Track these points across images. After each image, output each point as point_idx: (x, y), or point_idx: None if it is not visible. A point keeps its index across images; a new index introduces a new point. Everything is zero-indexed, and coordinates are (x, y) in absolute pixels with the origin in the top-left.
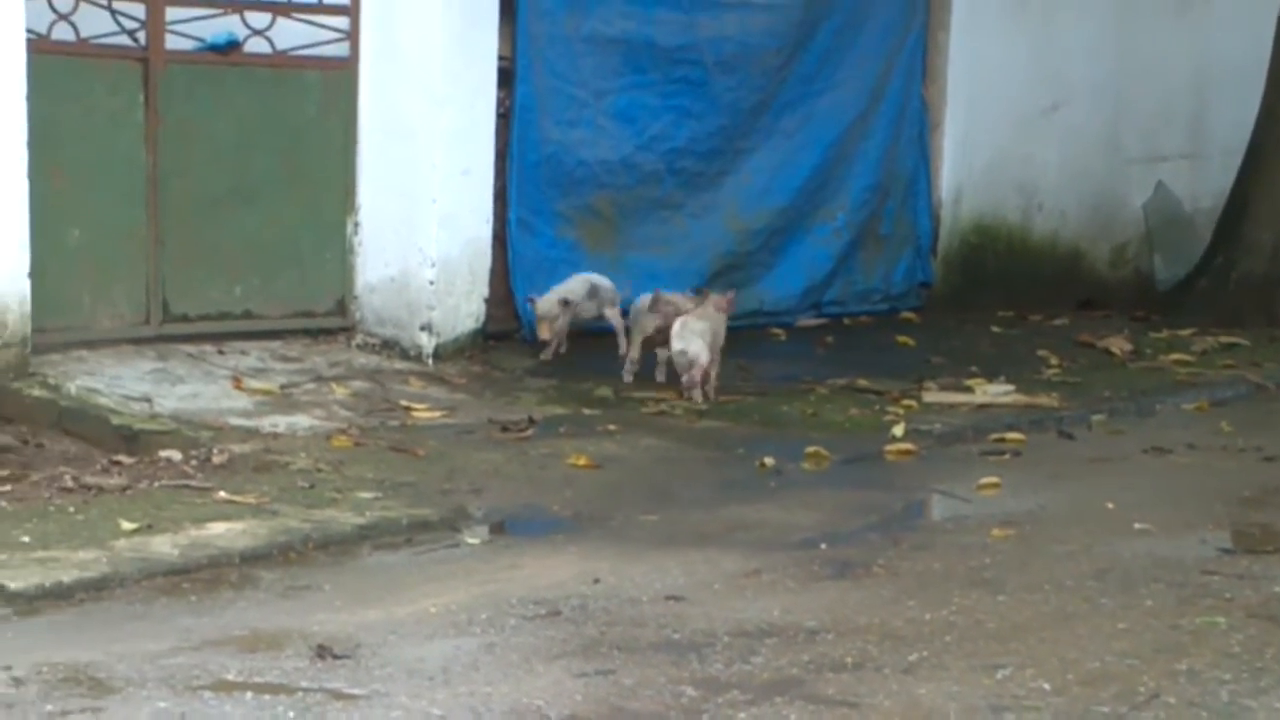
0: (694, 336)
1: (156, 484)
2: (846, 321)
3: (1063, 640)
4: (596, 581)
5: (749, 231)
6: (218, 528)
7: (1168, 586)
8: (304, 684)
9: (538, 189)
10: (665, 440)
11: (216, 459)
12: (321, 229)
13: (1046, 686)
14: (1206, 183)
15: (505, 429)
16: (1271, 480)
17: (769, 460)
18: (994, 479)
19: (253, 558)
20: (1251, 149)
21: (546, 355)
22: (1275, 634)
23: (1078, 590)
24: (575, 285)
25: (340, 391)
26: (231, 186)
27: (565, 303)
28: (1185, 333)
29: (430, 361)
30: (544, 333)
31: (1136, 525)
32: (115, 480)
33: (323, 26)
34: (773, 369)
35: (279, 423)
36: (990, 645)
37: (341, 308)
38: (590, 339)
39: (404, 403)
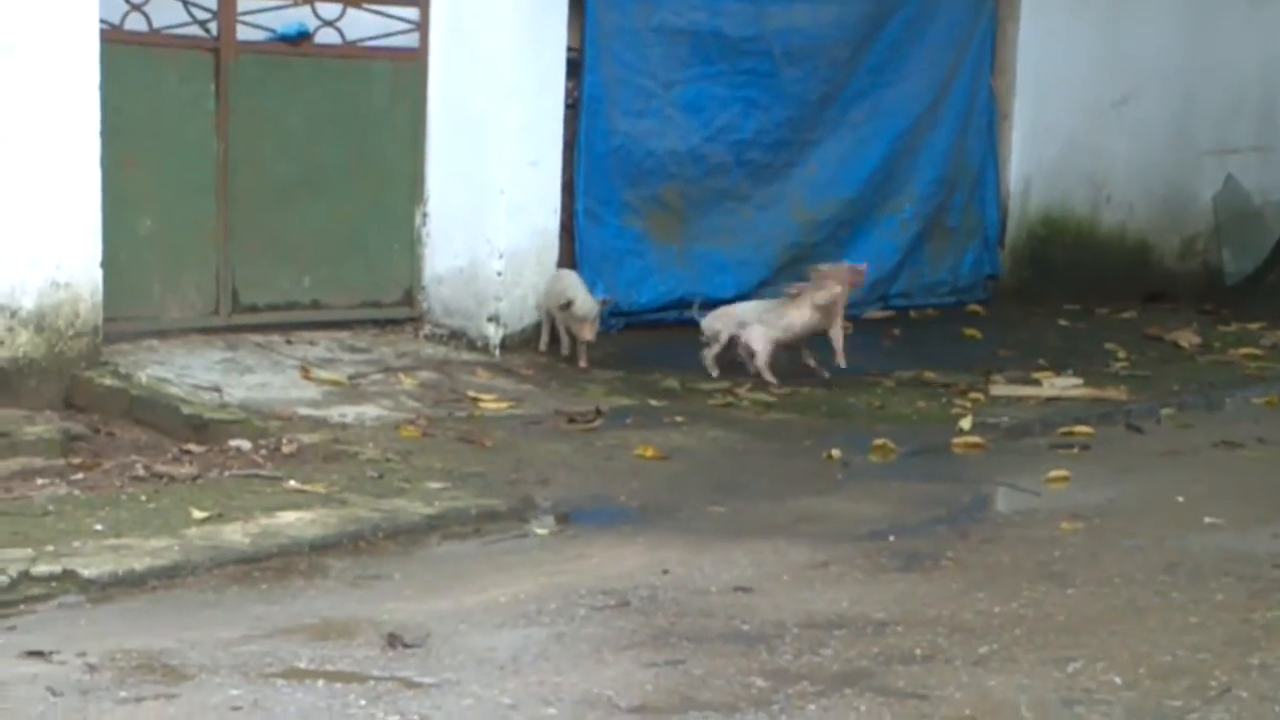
0: (742, 322)
1: (226, 473)
2: (913, 314)
3: (1133, 634)
4: (665, 572)
5: (815, 223)
6: (288, 516)
7: (1238, 580)
8: (375, 672)
9: (605, 180)
10: (732, 432)
11: (286, 448)
12: (390, 219)
13: (1118, 680)
14: (1277, 176)
15: (572, 420)
16: None
17: (836, 452)
18: (1063, 472)
19: (323, 546)
20: None
21: (583, 362)
22: None
23: (1148, 584)
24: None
25: (408, 382)
26: (301, 176)
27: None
28: (1254, 326)
29: (497, 353)
30: (591, 332)
31: (1206, 519)
32: (186, 469)
33: (392, 17)
34: (839, 361)
35: (347, 413)
36: (1060, 638)
37: (409, 298)
38: (655, 330)
39: (471, 393)
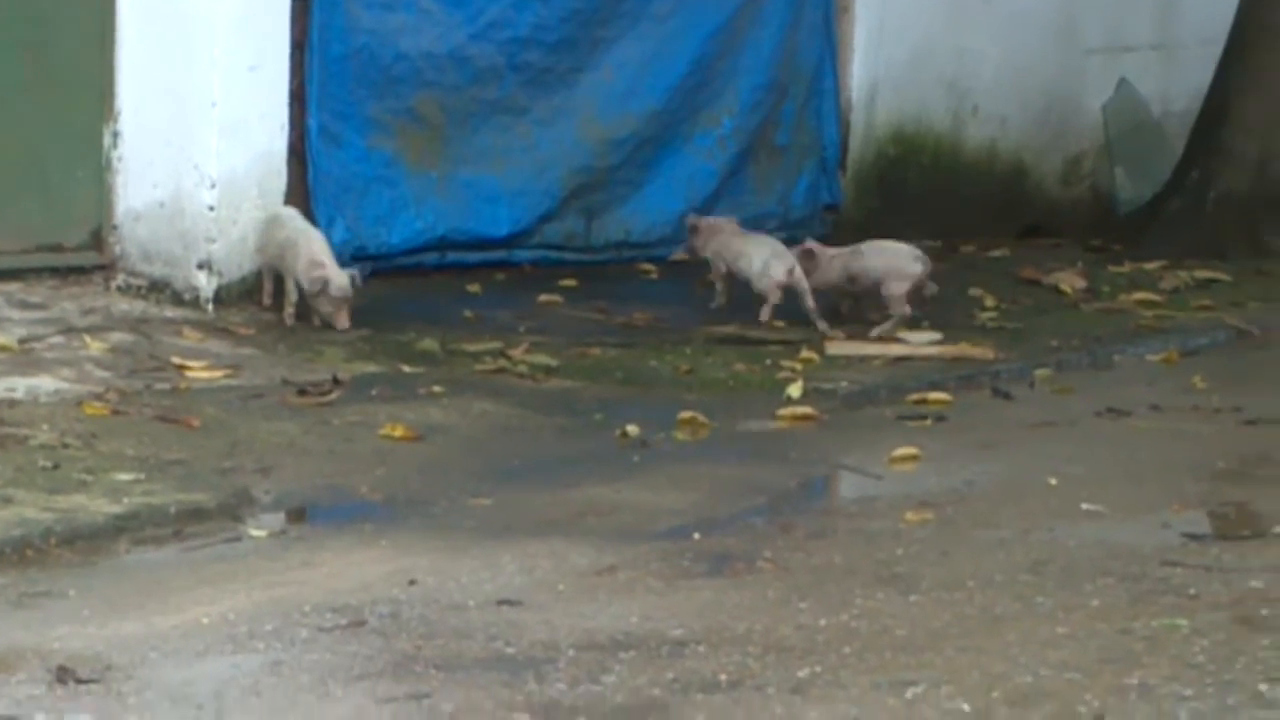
0: None
1: None
2: None
3: (989, 649)
4: (412, 583)
5: (611, 142)
6: None
7: (1119, 581)
8: (39, 716)
9: (345, 89)
10: (503, 404)
11: None
12: (71, 140)
13: (966, 707)
14: (1180, 80)
15: (303, 392)
16: (1253, 448)
17: (632, 429)
18: (912, 450)
19: None
20: (1234, 37)
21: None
22: (1248, 640)
23: (1009, 587)
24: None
25: (95, 346)
26: None
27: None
28: (1152, 266)
29: (210, 308)
30: (346, 320)
31: (1084, 506)
32: None
33: None
34: (640, 314)
35: (15, 386)
36: (899, 657)
37: (97, 240)
38: (409, 278)
39: (176, 360)
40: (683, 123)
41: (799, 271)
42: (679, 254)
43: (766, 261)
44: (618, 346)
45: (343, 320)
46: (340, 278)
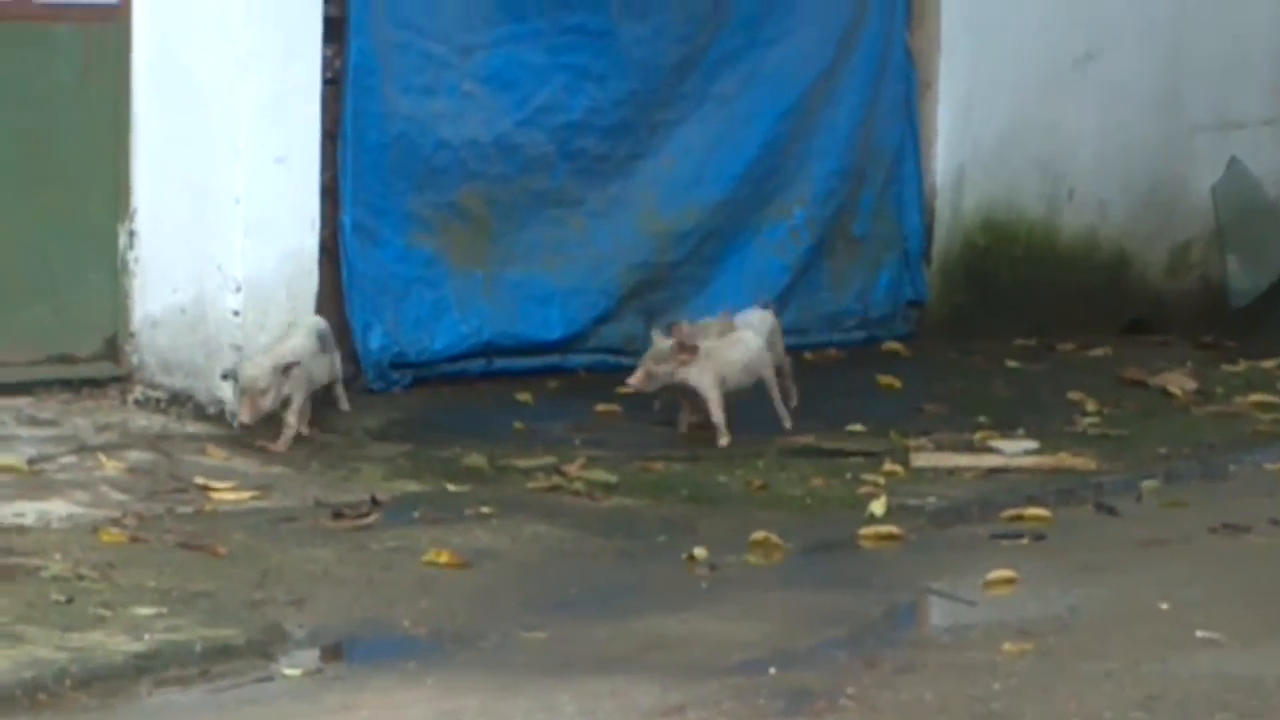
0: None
1: None
2: (808, 356)
3: None
4: None
5: (673, 235)
6: None
7: (1239, 717)
8: None
9: (382, 182)
10: (558, 526)
11: None
12: (83, 240)
13: None
14: None
15: (339, 515)
16: None
17: (700, 552)
18: (1008, 572)
19: None
20: None
21: (281, 445)
22: None
23: None
24: (298, 341)
25: (111, 466)
26: None
27: (287, 369)
28: (1269, 364)
29: (235, 422)
30: (246, 414)
31: (1199, 633)
32: None
33: None
34: (707, 424)
35: (25, 512)
36: None
37: (113, 350)
38: (453, 387)
39: (199, 480)
40: (751, 213)
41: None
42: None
43: None
44: (683, 460)
45: (243, 414)
46: (249, 367)
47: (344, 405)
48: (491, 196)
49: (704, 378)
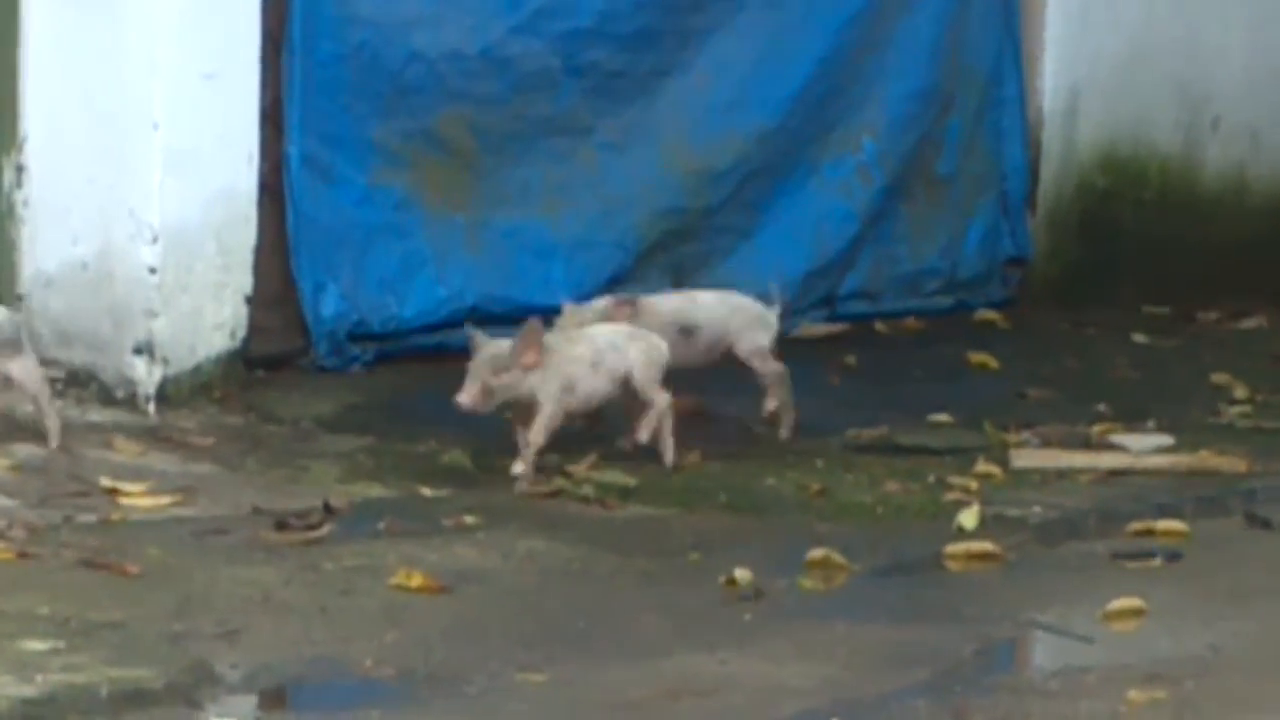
0: None
1: None
2: (880, 327)
3: None
4: None
5: (708, 174)
6: None
7: None
8: None
9: (338, 104)
10: (561, 541)
11: None
12: None
13: None
14: None
15: (282, 525)
16: None
17: (742, 574)
18: (1134, 602)
19: None
20: None
21: None
22: None
23: None
24: None
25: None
26: None
27: None
28: None
29: (151, 407)
30: None
31: None
32: None
33: None
34: (750, 411)
35: None
36: None
37: None
38: (428, 363)
39: (106, 481)
40: (808, 146)
41: None
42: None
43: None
44: (721, 458)
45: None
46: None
47: (53, 441)
48: (477, 123)
49: (549, 386)
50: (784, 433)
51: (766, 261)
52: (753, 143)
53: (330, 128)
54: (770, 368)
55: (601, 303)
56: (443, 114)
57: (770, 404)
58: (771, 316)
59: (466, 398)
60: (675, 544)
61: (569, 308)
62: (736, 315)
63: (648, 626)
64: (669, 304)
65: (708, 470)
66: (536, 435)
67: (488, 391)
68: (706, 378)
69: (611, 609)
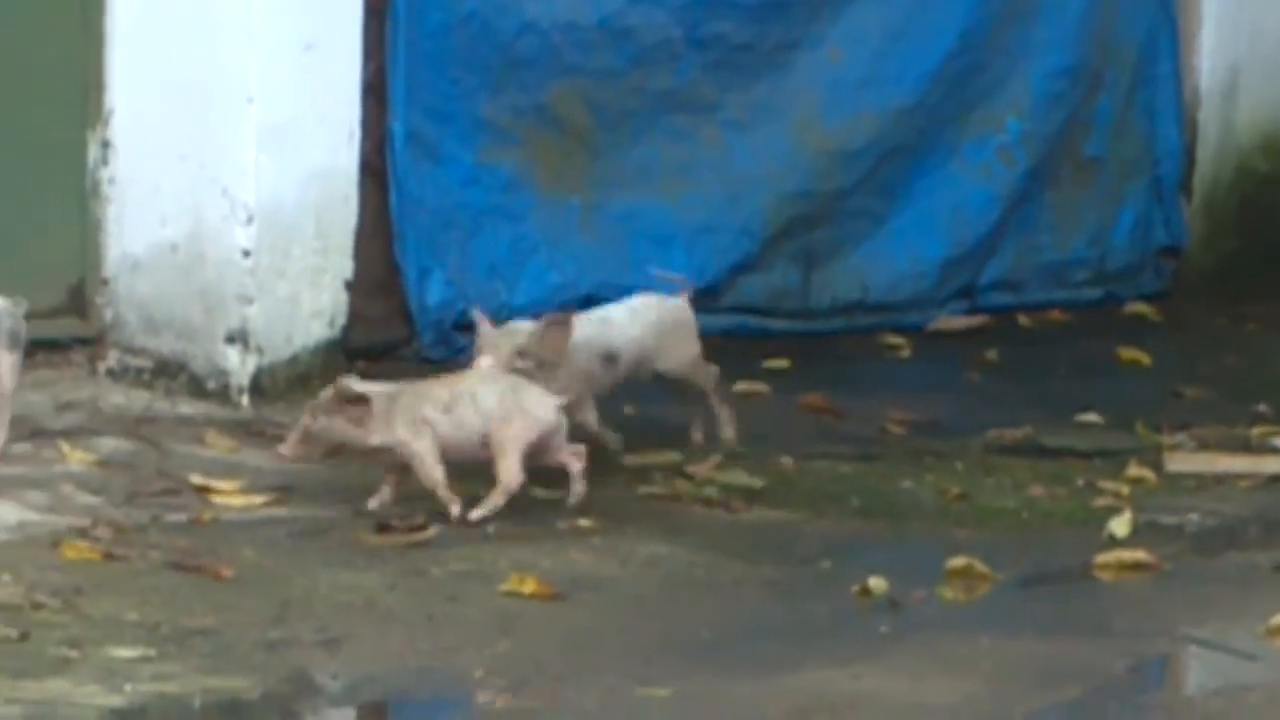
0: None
1: None
2: (1023, 320)
3: None
4: None
5: (841, 154)
6: None
7: None
8: None
9: (446, 77)
10: (683, 546)
11: None
12: (37, 154)
13: None
14: None
15: (385, 527)
16: None
17: (877, 583)
18: None
19: None
20: None
21: None
22: None
23: None
24: None
25: (77, 458)
26: None
27: None
28: None
29: (245, 399)
30: None
31: None
32: None
33: None
34: (884, 409)
35: None
36: None
37: (78, 302)
38: None
39: (196, 479)
40: (947, 126)
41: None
42: None
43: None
44: (854, 459)
45: None
46: None
47: None
48: (594, 98)
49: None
50: (729, 433)
51: (901, 248)
52: (888, 121)
53: (437, 102)
54: (704, 374)
55: (526, 325)
56: (557, 88)
57: (726, 431)
58: (687, 314)
59: (287, 448)
60: (804, 550)
61: (489, 331)
62: (651, 333)
63: (776, 639)
64: (585, 328)
65: (839, 472)
66: (429, 475)
67: (308, 438)
68: (832, 375)
69: (737, 619)
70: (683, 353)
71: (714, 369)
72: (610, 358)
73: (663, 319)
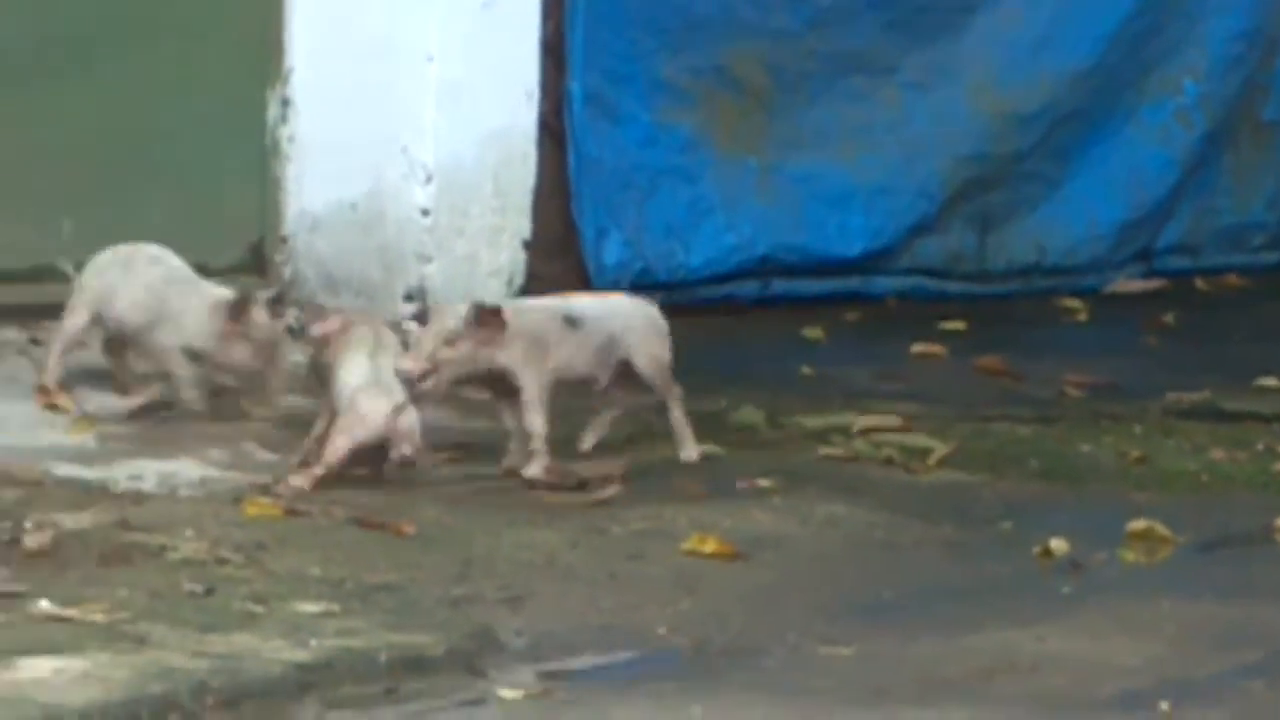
0: None
1: None
2: (1201, 284)
3: None
4: None
5: (1017, 116)
6: (36, 667)
7: None
8: None
9: (624, 37)
10: (863, 507)
11: (31, 541)
12: (218, 114)
13: None
14: None
15: (569, 485)
16: None
17: (1057, 544)
18: None
19: None
20: None
21: None
22: None
23: None
24: None
25: (260, 414)
26: (47, 38)
27: None
28: None
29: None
30: None
31: None
32: None
33: None
34: (1062, 372)
35: (142, 473)
36: None
37: (258, 259)
38: (717, 315)
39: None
40: (1124, 89)
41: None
42: None
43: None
44: (1031, 422)
45: None
46: None
47: None
48: (771, 59)
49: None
50: (691, 453)
51: (1077, 212)
52: (1065, 84)
53: (614, 63)
54: (670, 386)
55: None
56: (735, 49)
57: (688, 451)
58: (658, 315)
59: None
60: (984, 512)
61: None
62: (620, 318)
63: (958, 599)
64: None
65: (1017, 434)
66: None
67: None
68: (1008, 338)
69: (918, 579)
70: (656, 351)
71: (679, 388)
72: (571, 321)
73: (635, 309)
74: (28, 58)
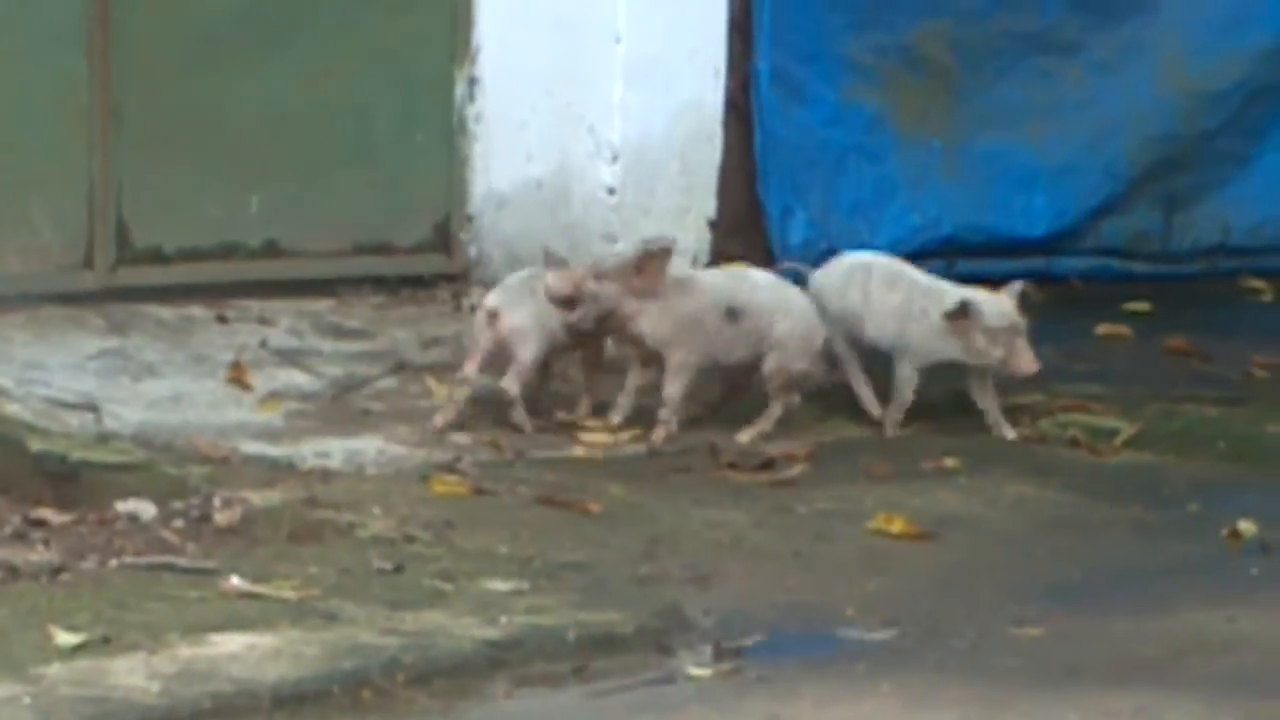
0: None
1: (114, 561)
2: None
3: None
4: None
5: (1205, 96)
6: (228, 643)
7: None
8: None
9: (811, 16)
10: (1050, 488)
11: (221, 517)
12: (406, 91)
13: None
14: None
15: (754, 465)
16: None
17: (1246, 526)
18: None
19: (294, 699)
20: None
21: None
22: None
23: None
24: None
25: (444, 393)
26: (241, 16)
27: None
28: None
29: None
30: None
31: None
32: (39, 556)
33: None
34: (1249, 353)
35: (330, 451)
36: None
37: (444, 238)
38: None
39: (562, 414)
40: None
41: None
42: None
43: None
44: (1219, 403)
45: None
46: None
47: None
48: (957, 39)
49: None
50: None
51: (1266, 192)
52: (1257, 62)
53: (801, 41)
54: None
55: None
56: (920, 29)
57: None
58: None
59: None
60: (1171, 493)
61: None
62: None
63: (1148, 580)
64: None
65: (1204, 415)
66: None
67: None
68: (1193, 319)
69: (1107, 560)
70: (787, 364)
71: (796, 399)
72: (733, 313)
73: (799, 317)
74: (223, 39)
